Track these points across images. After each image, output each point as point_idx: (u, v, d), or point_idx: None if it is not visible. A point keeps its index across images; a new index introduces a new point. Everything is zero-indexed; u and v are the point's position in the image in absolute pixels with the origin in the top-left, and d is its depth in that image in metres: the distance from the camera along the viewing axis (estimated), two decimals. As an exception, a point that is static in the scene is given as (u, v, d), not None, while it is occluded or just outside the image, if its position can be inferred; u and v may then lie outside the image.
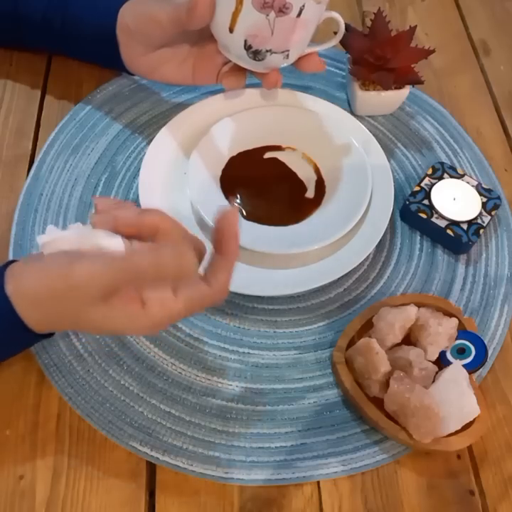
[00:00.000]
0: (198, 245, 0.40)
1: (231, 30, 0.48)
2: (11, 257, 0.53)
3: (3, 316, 0.38)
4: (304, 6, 0.47)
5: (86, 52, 0.60)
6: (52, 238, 0.38)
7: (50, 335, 0.44)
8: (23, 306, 0.38)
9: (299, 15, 0.47)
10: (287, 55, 0.51)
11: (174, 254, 0.37)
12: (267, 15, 0.46)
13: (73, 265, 0.36)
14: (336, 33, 0.54)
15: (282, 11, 0.46)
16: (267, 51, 0.49)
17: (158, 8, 0.51)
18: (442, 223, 0.56)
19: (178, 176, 0.56)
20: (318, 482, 0.46)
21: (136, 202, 0.55)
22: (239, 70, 0.54)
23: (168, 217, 0.39)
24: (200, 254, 0.39)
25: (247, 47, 0.49)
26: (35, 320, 0.39)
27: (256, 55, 0.49)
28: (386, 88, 0.62)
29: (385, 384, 0.47)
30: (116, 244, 0.37)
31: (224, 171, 0.57)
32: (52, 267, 0.37)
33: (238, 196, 0.56)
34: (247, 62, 0.51)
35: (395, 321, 0.48)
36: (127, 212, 0.39)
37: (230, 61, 0.53)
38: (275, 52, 0.50)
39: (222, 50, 0.52)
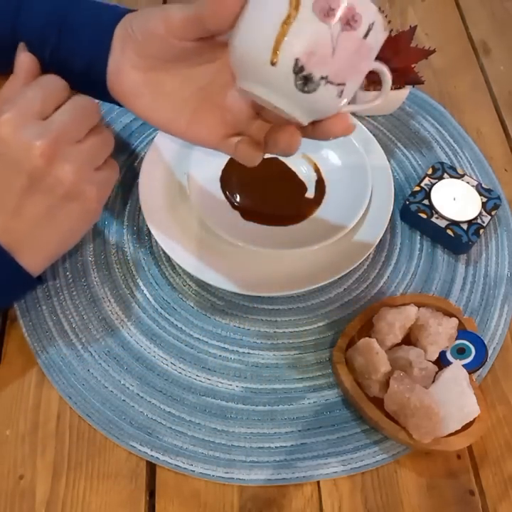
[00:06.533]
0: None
1: (276, 48, 0.34)
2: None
3: None
4: (372, 24, 0.35)
5: (75, 62, 0.46)
6: None
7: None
8: None
9: (366, 35, 0.35)
10: (341, 92, 0.36)
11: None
12: (331, 26, 0.34)
13: None
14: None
15: (349, 23, 0.34)
16: (322, 78, 0.35)
17: (176, 8, 0.39)
18: (442, 223, 0.56)
19: (178, 175, 0.56)
20: (318, 482, 0.46)
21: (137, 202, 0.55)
22: (255, 143, 0.41)
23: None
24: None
25: (298, 69, 0.35)
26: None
27: (306, 83, 0.35)
28: (386, 88, 0.61)
29: (385, 384, 0.47)
30: None
31: (224, 171, 0.57)
32: None
33: (238, 196, 0.56)
34: (286, 98, 0.36)
35: (395, 321, 0.48)
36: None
37: (242, 128, 0.41)
38: (330, 83, 0.35)
39: (244, 85, 0.37)
